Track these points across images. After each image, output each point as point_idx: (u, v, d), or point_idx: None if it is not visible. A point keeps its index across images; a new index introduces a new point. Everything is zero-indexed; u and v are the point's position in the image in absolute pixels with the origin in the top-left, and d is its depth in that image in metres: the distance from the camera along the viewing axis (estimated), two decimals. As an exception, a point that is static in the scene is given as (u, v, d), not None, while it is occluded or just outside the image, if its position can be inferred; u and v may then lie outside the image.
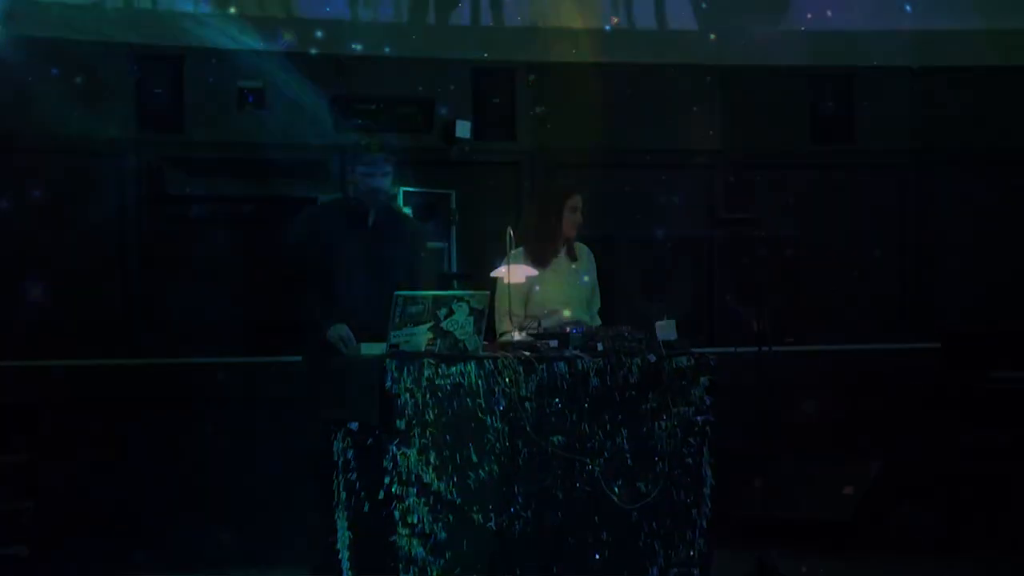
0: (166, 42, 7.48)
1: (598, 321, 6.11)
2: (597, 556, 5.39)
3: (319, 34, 7.61)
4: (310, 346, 5.86)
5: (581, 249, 6.24)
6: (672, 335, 5.61)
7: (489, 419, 5.19)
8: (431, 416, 5.09)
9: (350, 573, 5.30)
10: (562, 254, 6.16)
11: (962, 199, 8.27)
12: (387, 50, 7.74)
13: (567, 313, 6.00)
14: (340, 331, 5.71)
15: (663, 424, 5.50)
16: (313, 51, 7.55)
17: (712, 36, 8.06)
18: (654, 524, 5.48)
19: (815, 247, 8.17)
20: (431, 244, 7.06)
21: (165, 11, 7.53)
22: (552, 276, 6.09)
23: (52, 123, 7.14)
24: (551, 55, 7.97)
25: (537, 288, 6.02)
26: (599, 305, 6.22)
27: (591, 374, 5.39)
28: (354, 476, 5.20)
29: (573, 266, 6.18)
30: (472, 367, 5.18)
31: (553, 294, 6.07)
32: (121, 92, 7.37)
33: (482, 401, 5.18)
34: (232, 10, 7.49)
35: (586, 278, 6.19)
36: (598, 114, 7.90)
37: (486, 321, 5.37)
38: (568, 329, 5.60)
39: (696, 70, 8.12)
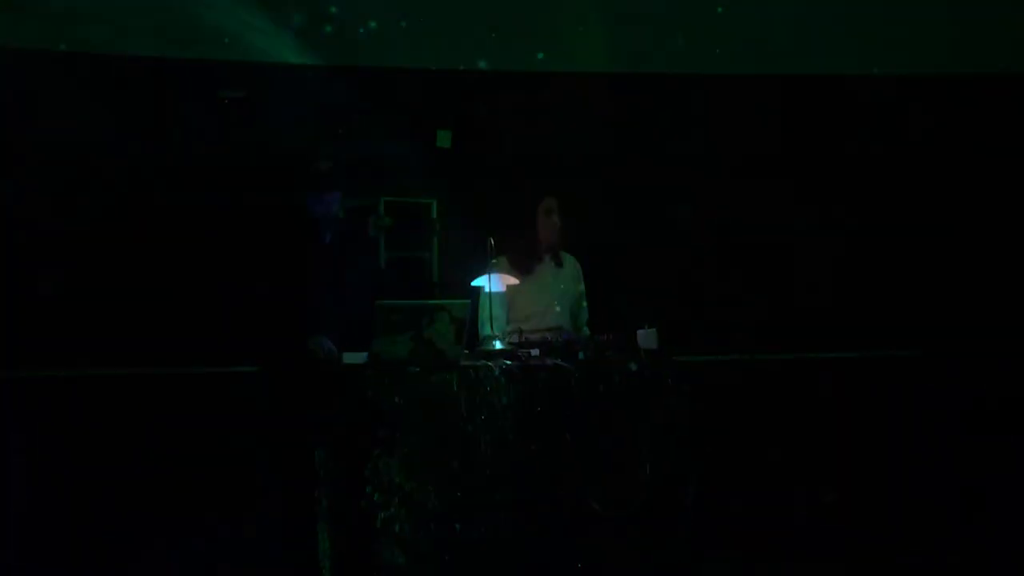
0: (152, 52, 7.49)
1: (587, 332, 6.11)
2: (580, 565, 5.40)
3: (304, 42, 7.62)
4: (285, 356, 5.85)
5: (567, 258, 6.23)
6: (653, 344, 5.62)
7: (470, 428, 5.20)
8: (413, 425, 5.10)
9: (332, 582, 5.30)
10: (546, 260, 6.16)
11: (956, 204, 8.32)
12: (370, 59, 7.76)
13: (549, 320, 6.01)
14: (322, 342, 5.71)
15: (645, 432, 5.50)
16: (296, 60, 7.57)
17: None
18: (637, 532, 5.48)
19: (799, 254, 8.19)
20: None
21: (157, 18, 7.54)
22: (534, 283, 6.08)
23: (46, 132, 7.16)
24: (533, 64, 7.98)
25: (519, 296, 6.02)
26: (587, 316, 6.21)
27: (572, 383, 5.40)
28: (336, 485, 5.20)
29: (557, 273, 6.17)
30: (453, 376, 5.19)
31: (535, 301, 6.06)
32: (109, 100, 7.39)
33: (463, 410, 5.19)
34: (220, 18, 7.51)
35: (570, 285, 6.19)
36: (580, 122, 7.92)
37: (468, 330, 5.38)
38: (549, 338, 5.61)
39: (677, 79, 8.15)
